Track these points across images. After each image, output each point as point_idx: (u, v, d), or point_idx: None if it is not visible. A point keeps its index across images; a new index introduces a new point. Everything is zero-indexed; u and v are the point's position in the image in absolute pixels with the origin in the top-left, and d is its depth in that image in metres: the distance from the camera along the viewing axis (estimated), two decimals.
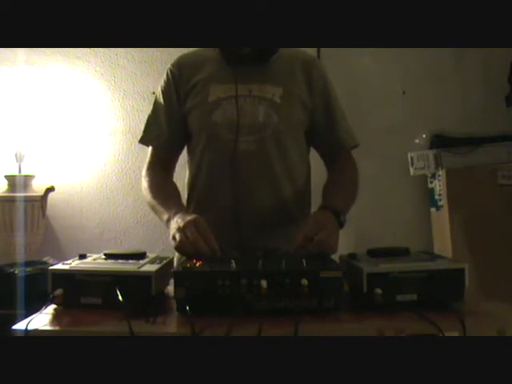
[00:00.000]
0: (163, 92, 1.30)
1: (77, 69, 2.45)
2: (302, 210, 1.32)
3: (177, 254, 1.32)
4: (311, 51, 2.23)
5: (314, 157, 1.38)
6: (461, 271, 0.90)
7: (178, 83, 1.28)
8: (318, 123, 1.30)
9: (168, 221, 1.14)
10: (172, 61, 1.33)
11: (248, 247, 1.08)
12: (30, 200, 2.24)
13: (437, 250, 2.21)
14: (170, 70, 1.30)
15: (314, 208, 1.38)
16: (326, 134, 1.31)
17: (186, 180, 1.34)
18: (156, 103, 1.32)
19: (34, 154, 2.35)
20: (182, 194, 1.31)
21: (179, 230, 1.04)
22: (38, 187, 2.32)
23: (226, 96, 1.23)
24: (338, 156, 1.34)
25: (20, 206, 2.20)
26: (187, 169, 1.34)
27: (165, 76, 1.31)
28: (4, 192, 2.28)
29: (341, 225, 1.14)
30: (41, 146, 2.37)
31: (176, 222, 1.08)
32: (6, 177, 2.29)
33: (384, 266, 0.90)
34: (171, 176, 1.35)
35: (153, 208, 1.24)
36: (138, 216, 2.46)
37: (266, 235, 1.21)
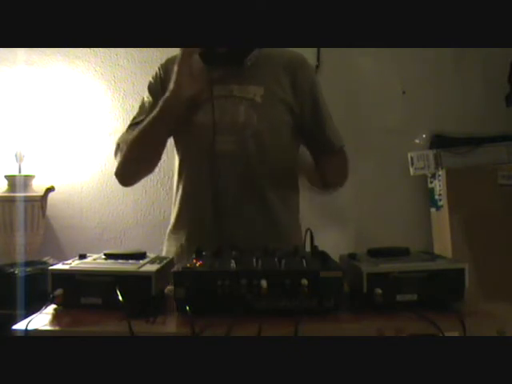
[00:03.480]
0: (149, 87, 1.34)
1: (77, 69, 2.46)
2: (288, 212, 1.31)
3: (167, 250, 1.34)
4: (311, 51, 2.24)
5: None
6: (461, 271, 0.90)
7: (163, 81, 1.30)
8: (305, 124, 1.29)
9: (159, 111, 1.20)
10: None
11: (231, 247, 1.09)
12: (30, 200, 2.24)
13: (437, 250, 2.21)
14: (158, 69, 1.34)
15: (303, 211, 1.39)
16: (314, 135, 1.31)
17: (175, 177, 1.35)
18: (142, 100, 1.35)
19: (34, 153, 2.35)
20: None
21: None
22: (38, 187, 2.32)
23: (208, 97, 1.23)
24: (328, 156, 1.33)
25: (20, 206, 2.20)
26: (175, 169, 1.36)
27: (153, 74, 1.35)
28: (4, 192, 2.28)
29: None
30: (41, 146, 2.37)
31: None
32: (5, 177, 2.29)
33: (384, 266, 0.90)
34: None
35: (138, 137, 1.24)
36: (137, 216, 2.46)
37: (249, 236, 1.21)
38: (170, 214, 1.37)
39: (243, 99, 1.23)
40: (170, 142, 1.35)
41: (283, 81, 1.27)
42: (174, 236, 1.33)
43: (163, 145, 1.28)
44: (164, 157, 2.56)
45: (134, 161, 1.27)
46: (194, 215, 1.27)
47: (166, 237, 1.37)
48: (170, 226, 1.36)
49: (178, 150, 1.34)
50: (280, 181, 1.29)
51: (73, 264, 0.95)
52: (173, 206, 1.35)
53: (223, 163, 1.22)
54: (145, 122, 1.23)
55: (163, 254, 1.33)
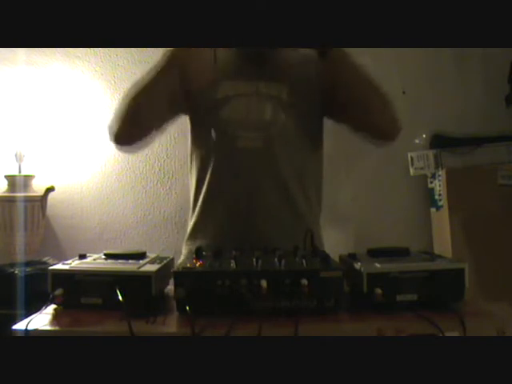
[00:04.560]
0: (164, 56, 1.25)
1: (77, 69, 2.45)
2: (312, 213, 1.31)
3: (184, 251, 1.32)
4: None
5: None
6: (461, 271, 0.91)
7: (182, 59, 1.24)
8: (337, 88, 1.25)
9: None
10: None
11: (255, 244, 1.08)
12: (30, 200, 2.24)
13: (437, 250, 2.21)
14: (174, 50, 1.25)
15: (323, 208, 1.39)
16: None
17: (194, 175, 1.33)
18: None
19: (34, 153, 2.35)
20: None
21: None
22: (37, 187, 2.32)
23: (234, 93, 1.23)
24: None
25: (20, 206, 2.19)
26: (192, 167, 1.34)
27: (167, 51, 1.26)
28: (4, 192, 2.27)
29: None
30: (41, 146, 2.36)
31: None
32: (5, 177, 2.29)
33: (384, 266, 0.90)
34: None
35: (138, 83, 1.20)
36: (137, 216, 2.46)
37: (273, 232, 1.22)
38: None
39: (269, 96, 1.24)
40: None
41: (308, 71, 1.27)
42: (199, 234, 1.30)
43: (164, 100, 1.21)
44: (164, 156, 2.57)
45: (132, 109, 1.21)
46: (221, 214, 1.25)
47: (188, 236, 1.34)
48: (192, 224, 1.32)
49: (199, 145, 1.31)
50: (305, 180, 1.29)
51: (73, 264, 0.95)
52: (193, 205, 1.32)
53: (249, 160, 1.22)
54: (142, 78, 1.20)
55: (183, 253, 1.32)
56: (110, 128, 1.26)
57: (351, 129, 1.30)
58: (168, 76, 1.22)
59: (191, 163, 1.34)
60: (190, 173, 1.35)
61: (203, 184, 1.29)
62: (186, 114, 1.34)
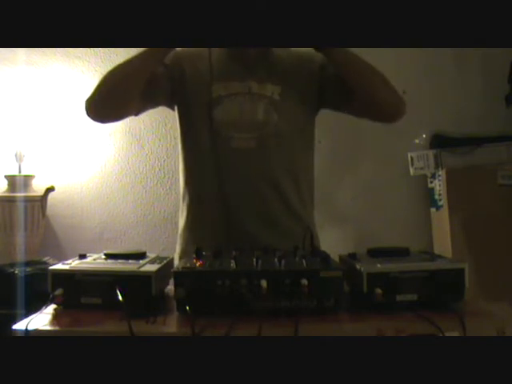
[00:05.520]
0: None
1: (77, 69, 2.45)
2: (306, 210, 1.31)
3: (178, 251, 1.32)
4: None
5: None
6: (461, 271, 0.91)
7: (182, 60, 1.27)
8: (332, 80, 1.27)
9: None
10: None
11: (249, 244, 1.08)
12: (30, 200, 2.24)
13: (437, 250, 2.21)
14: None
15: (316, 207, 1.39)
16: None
17: (184, 174, 1.32)
18: None
19: (34, 153, 2.35)
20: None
21: None
22: (37, 187, 2.32)
23: (227, 93, 1.23)
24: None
25: (20, 206, 2.19)
26: (183, 167, 1.33)
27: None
28: (4, 192, 2.28)
29: None
30: (41, 146, 2.37)
31: None
32: (5, 177, 2.29)
33: (384, 266, 0.90)
34: None
35: (126, 64, 1.18)
36: (137, 216, 2.46)
37: (268, 231, 1.22)
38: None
39: (262, 96, 1.24)
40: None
41: (300, 71, 1.28)
42: (192, 235, 1.30)
43: (144, 76, 1.19)
44: (164, 156, 2.56)
45: (111, 85, 1.20)
46: (214, 214, 1.24)
47: (180, 235, 1.34)
48: (183, 223, 1.32)
49: (192, 145, 1.30)
50: (298, 179, 1.29)
51: (73, 264, 0.95)
52: (182, 203, 1.32)
53: (243, 161, 1.22)
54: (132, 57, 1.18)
55: (177, 252, 1.32)
56: (86, 100, 1.20)
57: (360, 112, 1.30)
58: (155, 59, 1.19)
59: (181, 162, 1.34)
60: (180, 172, 1.34)
61: (195, 184, 1.29)
62: (169, 106, 1.33)
